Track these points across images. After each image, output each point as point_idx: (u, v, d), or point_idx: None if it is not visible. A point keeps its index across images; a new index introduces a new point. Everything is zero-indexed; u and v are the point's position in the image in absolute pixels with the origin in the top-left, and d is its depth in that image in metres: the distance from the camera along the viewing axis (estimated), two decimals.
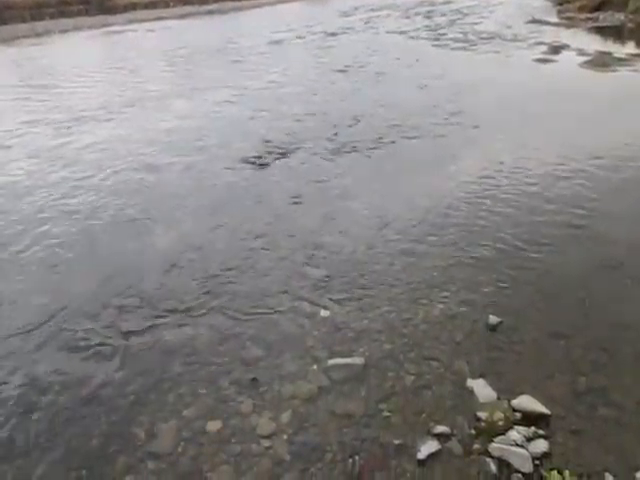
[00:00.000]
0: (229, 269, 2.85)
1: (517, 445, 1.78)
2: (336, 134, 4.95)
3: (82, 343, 2.39)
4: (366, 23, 14.81)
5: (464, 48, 9.59)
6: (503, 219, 3.23)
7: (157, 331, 2.42)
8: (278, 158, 4.42)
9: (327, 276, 2.72)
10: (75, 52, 12.74)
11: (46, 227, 3.48)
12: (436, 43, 10.41)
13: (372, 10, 19.20)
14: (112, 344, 2.37)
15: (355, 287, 2.62)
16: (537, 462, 1.73)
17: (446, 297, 2.51)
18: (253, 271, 2.82)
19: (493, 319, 2.32)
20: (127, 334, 2.42)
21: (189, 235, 3.25)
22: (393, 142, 4.70)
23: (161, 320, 2.49)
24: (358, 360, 2.15)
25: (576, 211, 3.32)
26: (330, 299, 2.54)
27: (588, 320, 2.37)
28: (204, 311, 2.52)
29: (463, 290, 2.55)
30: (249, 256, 2.97)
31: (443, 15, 16.02)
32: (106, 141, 5.18)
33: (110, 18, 20.35)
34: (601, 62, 7.77)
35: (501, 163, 4.10)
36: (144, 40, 14.68)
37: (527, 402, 1.92)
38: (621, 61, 7.86)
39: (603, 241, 2.99)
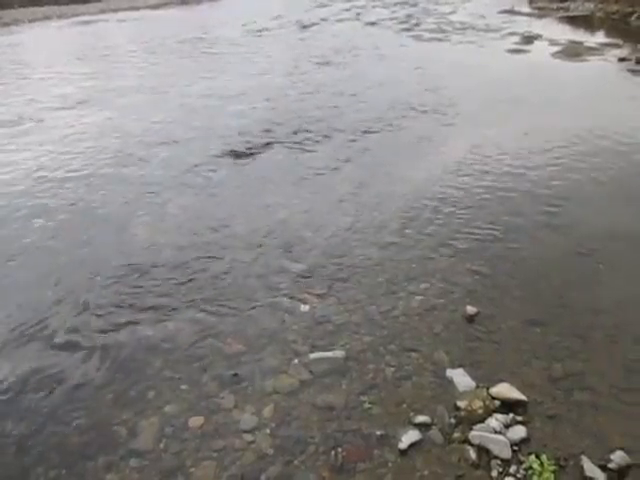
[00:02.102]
0: (208, 265, 2.84)
1: (496, 432, 1.81)
2: (313, 127, 4.94)
3: (59, 340, 2.36)
4: (341, 13, 14.76)
5: (438, 39, 9.63)
6: (478, 210, 3.28)
7: (136, 328, 2.40)
8: (256, 152, 4.40)
9: (306, 270, 2.73)
10: (43, 42, 12.43)
11: (19, 223, 3.41)
12: (411, 34, 10.43)
13: (347, 0, 19.13)
14: (91, 342, 2.34)
15: (334, 281, 2.64)
16: (516, 448, 1.77)
17: (424, 289, 2.54)
18: (232, 267, 2.81)
19: (470, 309, 2.36)
20: (106, 331, 2.40)
21: (167, 231, 3.22)
22: (369, 135, 4.72)
23: (140, 317, 2.47)
24: (339, 353, 2.17)
25: (549, 200, 3.39)
26: (310, 293, 2.55)
27: (563, 307, 2.42)
28: (184, 307, 2.51)
29: (441, 282, 2.59)
30: (227, 251, 2.96)
31: (417, 5, 16.03)
32: (71, 135, 5.08)
33: (81, 7, 19.89)
34: (572, 52, 7.88)
35: (475, 154, 4.15)
36: (115, 30, 14.40)
37: (505, 390, 1.96)
38: (592, 50, 7.99)
39: (576, 229, 3.05)
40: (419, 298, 2.48)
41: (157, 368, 2.18)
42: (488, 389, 1.97)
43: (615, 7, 11.52)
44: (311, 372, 2.10)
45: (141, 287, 2.68)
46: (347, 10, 15.49)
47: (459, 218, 3.19)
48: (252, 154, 4.37)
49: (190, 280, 2.71)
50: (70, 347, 2.32)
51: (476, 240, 2.94)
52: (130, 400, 2.04)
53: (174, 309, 2.50)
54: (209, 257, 2.91)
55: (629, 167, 3.88)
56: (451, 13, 13.44)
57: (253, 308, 2.48)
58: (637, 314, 2.37)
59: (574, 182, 3.65)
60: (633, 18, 10.54)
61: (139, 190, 3.81)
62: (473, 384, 2.00)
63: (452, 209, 3.30)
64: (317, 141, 4.58)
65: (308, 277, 2.68)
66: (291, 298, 2.53)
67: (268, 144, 4.55)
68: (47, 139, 5.02)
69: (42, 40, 12.93)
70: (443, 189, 3.58)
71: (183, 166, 4.19)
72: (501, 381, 2.00)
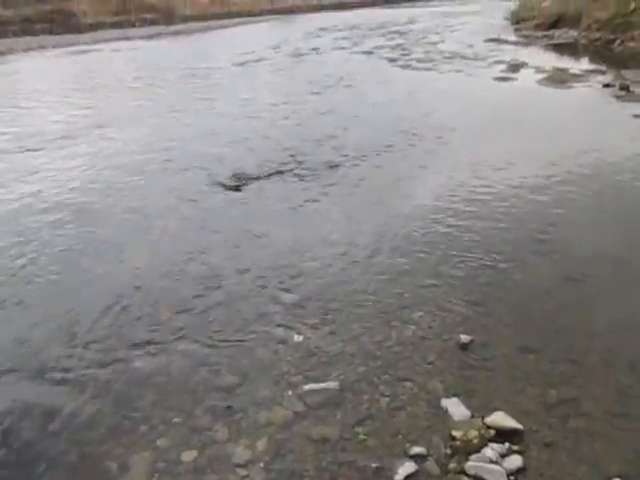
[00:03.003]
0: (201, 295, 2.83)
1: (492, 462, 1.80)
2: (306, 156, 4.99)
3: (51, 374, 2.33)
4: (332, 44, 15.03)
5: (428, 68, 9.82)
6: (470, 237, 3.31)
7: (129, 360, 2.38)
8: (248, 182, 4.43)
9: (300, 301, 2.73)
10: (37, 71, 12.54)
11: (11, 252, 3.39)
12: (401, 63, 10.63)
13: (337, 31, 19.51)
14: (82, 375, 2.31)
15: (328, 311, 2.64)
16: (512, 478, 1.75)
17: (417, 318, 2.55)
18: (226, 297, 2.81)
19: (464, 337, 2.37)
20: (97, 364, 2.37)
21: (159, 261, 3.22)
22: (361, 163, 4.77)
23: (133, 349, 2.45)
24: (333, 384, 2.16)
25: (539, 226, 3.43)
26: (303, 324, 2.55)
27: (556, 332, 2.44)
28: (177, 339, 2.50)
29: (434, 310, 2.60)
30: (221, 282, 2.96)
31: (406, 35, 16.37)
32: (65, 163, 5.10)
33: (75, 37, 20.14)
34: (558, 78, 8.06)
35: (465, 180, 4.21)
36: (109, 60, 14.56)
37: (500, 418, 1.95)
38: (576, 77, 8.18)
39: (566, 254, 3.09)
40: (412, 327, 2.48)
41: (150, 401, 2.16)
42: (483, 418, 1.97)
43: (598, 34, 11.82)
44: (305, 404, 2.09)
45: (133, 318, 2.66)
46: (339, 40, 15.79)
47: (449, 246, 3.21)
48: (245, 184, 4.40)
49: (183, 311, 2.70)
50: (60, 381, 2.29)
51: (467, 268, 2.96)
52: (122, 434, 2.01)
53: (167, 341, 2.49)
54: (202, 288, 2.91)
55: (616, 191, 3.94)
56: (439, 42, 13.73)
57: (246, 339, 2.47)
58: (630, 338, 2.39)
59: (562, 207, 3.70)
60: (616, 45, 10.82)
61: (132, 219, 3.81)
62: (468, 413, 1.99)
63: (442, 237, 3.33)
64: (311, 170, 4.62)
65: (301, 307, 2.68)
66: (285, 329, 2.52)
67: (261, 174, 4.59)
68: (41, 168, 5.02)
69: (37, 69, 13.05)
70: (433, 217, 3.61)
71: (176, 195, 4.21)
72: (496, 410, 1.99)
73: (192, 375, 2.28)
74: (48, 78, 11.30)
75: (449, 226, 3.46)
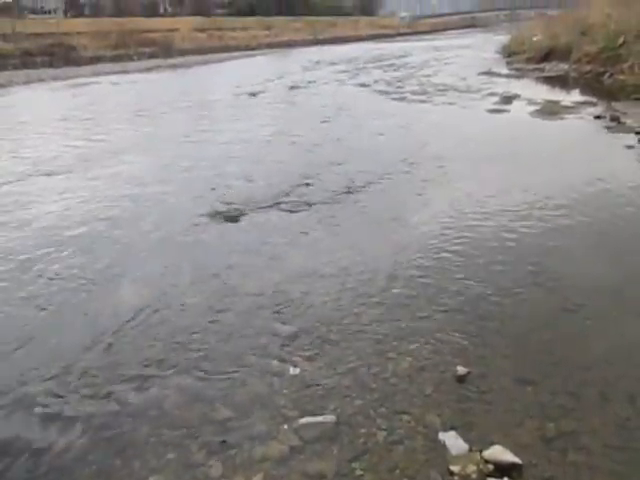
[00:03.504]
0: (196, 328, 2.81)
1: None
2: (304, 187, 5.03)
3: (41, 408, 2.29)
4: (328, 76, 15.30)
5: (422, 100, 9.99)
6: (466, 267, 3.32)
7: (121, 394, 2.35)
8: (245, 212, 4.45)
9: (295, 332, 2.71)
10: (36, 103, 12.69)
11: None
12: (395, 95, 10.82)
13: (332, 64, 19.88)
14: (74, 409, 2.28)
15: (324, 342, 2.62)
16: None
17: (414, 349, 2.53)
18: (221, 330, 2.79)
19: (461, 370, 2.35)
20: (89, 399, 2.34)
21: (153, 293, 3.20)
22: (359, 193, 4.81)
23: (126, 383, 2.42)
24: (329, 418, 2.13)
25: (535, 256, 3.45)
26: (299, 356, 2.53)
27: (553, 364, 2.42)
28: (170, 373, 2.47)
29: (430, 341, 2.58)
30: (216, 314, 2.94)
31: (401, 68, 16.70)
32: (58, 196, 5.11)
33: (74, 70, 20.45)
34: (550, 110, 8.22)
35: (462, 211, 4.24)
36: (107, 93, 14.75)
37: (499, 452, 1.93)
38: (568, 108, 8.34)
39: (562, 284, 3.09)
40: (409, 359, 2.47)
41: (143, 436, 2.12)
42: (481, 452, 1.94)
43: (588, 67, 12.10)
44: (301, 438, 2.06)
45: (126, 352, 2.64)
46: (335, 73, 16.08)
47: (446, 276, 3.22)
48: (243, 214, 4.41)
49: (177, 344, 2.68)
50: (50, 415, 2.25)
51: (464, 299, 2.96)
52: (114, 470, 1.97)
53: (160, 374, 2.46)
54: (196, 320, 2.89)
55: (612, 221, 3.98)
56: (433, 75, 14.00)
57: (241, 372, 2.45)
58: (628, 370, 2.37)
59: (558, 237, 3.73)
60: (605, 77, 11.05)
61: (126, 250, 3.81)
62: (466, 447, 1.97)
63: (439, 267, 3.34)
64: (310, 200, 4.66)
65: (298, 339, 2.66)
66: (280, 361, 2.50)
67: (259, 204, 4.62)
68: (35, 200, 5.04)
69: (36, 101, 13.21)
70: (429, 247, 3.63)
71: (172, 226, 4.22)
72: (494, 443, 1.97)
73: (186, 409, 2.24)
74: (46, 110, 11.42)
75: (446, 256, 3.48)
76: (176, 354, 2.60)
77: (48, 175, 5.85)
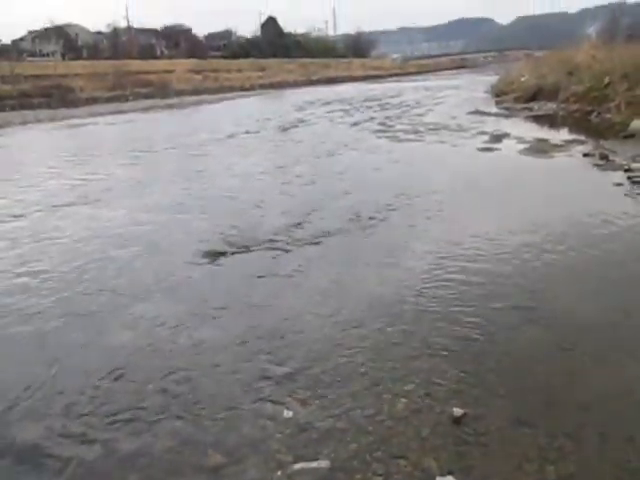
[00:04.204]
0: (188, 370, 2.77)
1: None
2: (297, 225, 5.05)
3: (29, 453, 2.23)
4: (321, 116, 15.58)
5: (414, 139, 10.15)
6: (458, 306, 3.30)
7: (111, 439, 2.29)
8: (235, 252, 4.44)
9: (289, 373, 2.67)
10: (32, 144, 12.80)
11: None
12: (388, 134, 11.00)
13: (326, 104, 20.27)
14: (63, 454, 2.22)
15: (318, 384, 2.58)
16: None
17: (409, 390, 2.50)
18: (213, 372, 2.74)
19: (457, 411, 2.31)
20: (78, 442, 2.28)
21: (143, 333, 3.16)
22: (352, 231, 4.83)
23: (116, 427, 2.36)
24: (324, 463, 2.08)
25: (529, 293, 3.44)
26: (293, 398, 2.48)
27: (550, 404, 2.39)
28: (161, 416, 2.42)
29: (425, 382, 2.55)
30: (207, 356, 2.90)
31: (392, 108, 17.03)
32: (51, 235, 5.10)
33: (71, 111, 20.76)
34: (539, 148, 8.36)
35: (455, 248, 4.25)
36: (104, 133, 14.94)
37: None
38: (557, 147, 8.49)
39: (557, 322, 3.08)
40: (404, 400, 2.43)
41: None
42: None
43: (575, 106, 12.39)
44: None
45: (116, 395, 2.58)
46: (327, 113, 16.37)
47: (440, 315, 3.20)
48: (232, 255, 4.40)
49: (168, 387, 2.63)
50: (37, 461, 2.19)
51: (458, 337, 2.93)
52: None
53: (151, 418, 2.41)
54: (187, 362, 2.84)
55: (604, 257, 3.99)
56: (424, 114, 14.28)
57: (234, 415, 2.40)
58: (626, 409, 2.35)
59: (551, 273, 3.74)
60: (593, 116, 11.30)
61: (115, 293, 3.78)
62: None
63: (432, 305, 3.32)
64: (303, 238, 4.66)
65: (291, 381, 2.62)
66: (274, 403, 2.45)
67: (252, 243, 4.62)
68: (22, 239, 5.02)
69: (31, 141, 13.33)
70: (422, 285, 3.62)
71: (160, 268, 4.20)
72: None
73: (177, 455, 2.19)
74: (41, 151, 11.52)
75: (439, 294, 3.47)
76: (167, 396, 2.55)
77: (40, 212, 5.86)
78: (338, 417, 2.34)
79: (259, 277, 3.94)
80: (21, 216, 5.87)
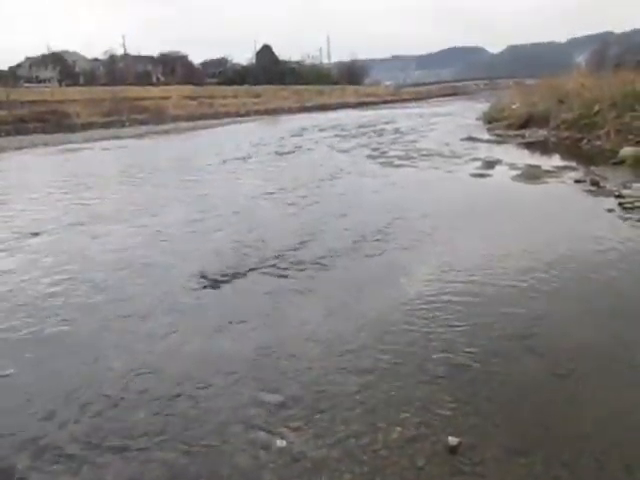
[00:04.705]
0: (179, 398, 2.73)
1: None
2: (292, 250, 5.04)
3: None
4: (315, 142, 15.71)
5: (407, 165, 10.24)
6: (454, 333, 3.29)
7: (101, 469, 2.25)
8: (228, 279, 4.42)
9: (283, 402, 2.64)
10: (26, 169, 12.81)
11: None
12: (381, 160, 11.09)
13: (320, 130, 20.46)
14: None
15: (312, 412, 2.55)
16: None
17: (404, 419, 2.47)
18: (205, 400, 2.70)
19: (452, 440, 2.29)
20: (66, 473, 2.23)
21: (135, 360, 3.12)
22: (347, 256, 4.83)
23: (105, 456, 2.32)
24: None
25: (523, 319, 3.44)
26: (287, 427, 2.45)
27: (546, 433, 2.37)
28: (152, 445, 2.37)
29: (420, 410, 2.53)
30: (200, 383, 2.86)
31: (385, 134, 17.21)
32: (40, 260, 5.07)
33: (67, 136, 20.85)
34: (531, 175, 8.45)
35: (447, 275, 4.25)
36: (98, 158, 14.98)
37: None
38: (549, 173, 8.58)
39: (552, 349, 3.07)
40: (399, 429, 2.40)
41: None
42: None
43: (566, 134, 12.58)
44: None
45: (106, 423, 2.54)
46: (322, 139, 16.52)
47: (434, 341, 3.18)
48: (225, 281, 4.38)
49: (160, 415, 2.59)
50: None
51: (453, 365, 2.92)
52: None
53: (141, 448, 2.36)
54: (179, 390, 2.80)
55: (598, 283, 4.01)
56: (417, 141, 14.42)
57: (227, 444, 2.36)
58: (622, 437, 2.33)
59: (545, 299, 3.74)
60: (584, 143, 11.46)
61: (108, 318, 3.74)
62: None
63: (426, 332, 3.31)
64: (297, 264, 4.66)
65: (285, 409, 2.58)
66: (267, 432, 2.42)
67: (248, 268, 4.61)
68: (14, 264, 4.99)
69: (24, 167, 13.34)
70: (417, 311, 3.61)
71: (155, 292, 4.17)
72: None
73: None
74: (33, 176, 11.51)
75: (433, 321, 3.45)
76: (158, 425, 2.51)
77: (32, 237, 5.84)
78: (332, 446, 2.31)
79: (252, 302, 3.92)
80: (7, 241, 5.85)
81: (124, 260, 5.02)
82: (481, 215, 6.15)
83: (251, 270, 4.56)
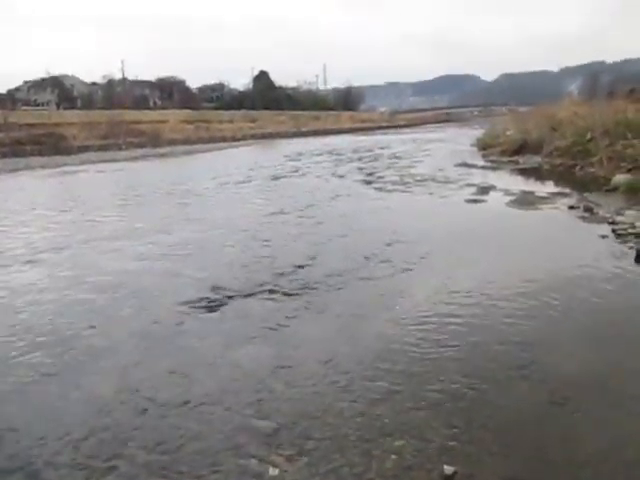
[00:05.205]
0: (170, 426, 2.67)
1: None
2: (286, 275, 5.02)
3: None
4: (310, 167, 15.81)
5: (402, 190, 10.30)
6: (449, 360, 3.26)
7: None
8: (224, 303, 4.38)
9: (276, 429, 2.59)
10: (19, 191, 12.79)
11: None
12: (376, 185, 11.16)
13: (316, 155, 20.62)
14: None
15: (305, 439, 2.50)
16: None
17: (399, 447, 2.42)
18: (197, 427, 2.65)
19: (447, 469, 2.24)
20: None
21: (125, 389, 3.06)
22: (342, 281, 4.80)
23: None
24: None
25: (518, 345, 3.41)
26: (279, 455, 2.40)
27: (542, 461, 2.33)
28: (141, 474, 2.32)
29: (415, 438, 2.48)
30: (192, 410, 2.81)
31: (380, 160, 17.36)
32: (33, 284, 5.02)
33: (63, 159, 20.93)
34: (525, 201, 8.50)
35: (443, 299, 4.24)
36: (94, 181, 15.02)
37: None
38: (543, 199, 8.64)
39: (548, 376, 3.04)
40: (394, 457, 2.35)
41: None
42: None
43: (559, 160, 12.71)
44: None
45: (95, 454, 2.48)
46: (317, 164, 16.64)
47: (429, 368, 3.15)
48: (219, 305, 4.34)
49: (150, 444, 2.53)
50: None
51: (448, 392, 2.88)
52: None
53: (130, 475, 2.31)
54: (170, 417, 2.75)
55: (590, 310, 4.00)
56: (412, 166, 14.54)
57: (218, 473, 2.30)
58: (619, 467, 2.29)
59: (541, 326, 3.72)
60: (577, 169, 11.58)
61: (98, 343, 3.69)
62: None
63: (421, 358, 3.28)
64: (291, 289, 4.63)
65: (277, 436, 2.53)
66: (259, 460, 2.36)
67: (239, 293, 4.58)
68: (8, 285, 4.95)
69: (19, 188, 13.32)
70: (411, 337, 3.58)
71: (148, 318, 4.13)
72: None
73: None
74: (26, 198, 11.47)
75: (428, 347, 3.42)
76: (147, 453, 2.45)
77: (20, 262, 5.81)
78: (325, 475, 2.26)
79: (244, 326, 3.88)
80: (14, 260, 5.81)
81: (116, 280, 4.99)
82: (476, 240, 6.16)
83: (244, 294, 4.53)
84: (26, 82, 57.77)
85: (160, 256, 5.90)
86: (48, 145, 23.53)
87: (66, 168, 17.79)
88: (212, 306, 4.30)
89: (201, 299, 4.43)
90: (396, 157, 17.91)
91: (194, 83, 67.79)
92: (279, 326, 3.87)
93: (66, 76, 58.19)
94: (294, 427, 2.60)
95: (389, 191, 10.27)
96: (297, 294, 4.51)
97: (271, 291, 4.57)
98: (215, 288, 4.68)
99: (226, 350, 3.51)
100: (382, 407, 2.75)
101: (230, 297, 4.47)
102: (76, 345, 3.65)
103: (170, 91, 61.17)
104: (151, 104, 58.20)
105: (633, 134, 10.78)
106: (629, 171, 9.53)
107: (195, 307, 4.28)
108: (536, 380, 3.00)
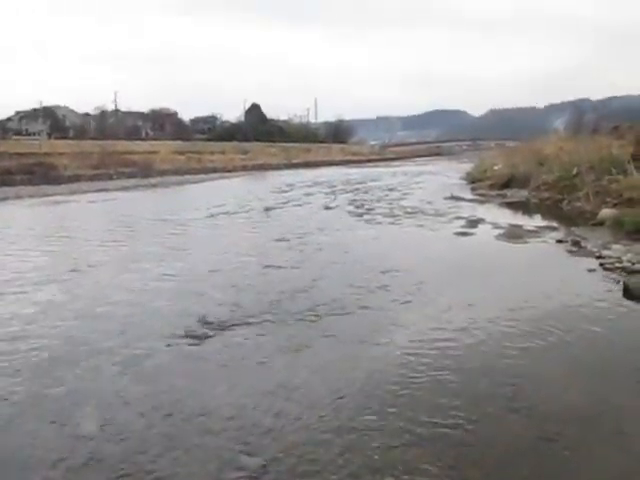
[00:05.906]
0: (156, 462, 2.61)
1: None
2: (275, 307, 4.99)
3: None
4: (300, 199, 15.90)
5: (392, 222, 10.37)
6: (439, 393, 3.23)
7: None
8: (212, 334, 4.33)
9: (264, 465, 2.53)
10: (6, 221, 12.69)
11: None
12: (366, 217, 11.23)
13: (306, 187, 20.77)
14: None
15: (293, 476, 2.45)
16: None
17: None
18: (184, 464, 2.58)
19: None
20: None
21: (112, 424, 2.99)
22: (330, 313, 4.78)
23: None
24: None
25: (508, 379, 3.39)
26: None
27: None
28: None
29: (405, 474, 2.43)
30: (179, 447, 2.74)
31: (370, 192, 17.52)
32: (22, 314, 4.95)
33: (53, 188, 20.85)
34: (514, 234, 8.58)
35: (432, 333, 4.22)
36: (84, 211, 14.97)
37: None
38: (531, 233, 8.73)
39: (537, 411, 3.02)
40: None
41: None
42: None
43: (546, 194, 12.90)
44: None
45: None
46: (307, 196, 16.75)
47: (419, 403, 3.12)
48: (208, 337, 4.29)
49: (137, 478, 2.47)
50: None
51: (438, 426, 2.84)
52: None
53: None
54: (157, 454, 2.68)
55: (580, 344, 4.00)
56: (401, 199, 14.69)
57: None
58: None
59: (529, 359, 3.71)
60: (564, 204, 11.73)
61: (83, 377, 3.62)
62: None
63: (410, 393, 3.24)
64: (280, 321, 4.60)
65: (265, 473, 2.47)
66: None
67: (227, 325, 4.53)
68: None
69: (5, 218, 13.24)
70: (401, 372, 3.55)
71: (135, 349, 4.06)
72: None
73: None
74: (13, 228, 11.36)
75: (417, 381, 3.39)
76: None
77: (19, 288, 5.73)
78: None
79: (233, 359, 3.83)
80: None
81: (101, 313, 4.93)
82: (465, 273, 6.18)
83: (233, 325, 4.48)
84: (18, 112, 58.04)
85: (143, 287, 5.85)
86: (38, 175, 23.46)
87: (55, 198, 17.73)
88: (199, 337, 4.23)
89: (189, 329, 4.37)
90: (386, 189, 18.09)
91: (187, 115, 68.54)
92: (267, 358, 3.81)
93: (58, 107, 58.62)
94: (283, 463, 2.53)
95: (379, 223, 10.34)
96: (288, 324, 4.48)
97: (261, 322, 4.54)
98: (204, 318, 4.63)
99: (213, 382, 3.45)
100: (371, 442, 2.70)
101: (216, 328, 4.41)
102: (62, 376, 3.58)
103: (162, 122, 61.72)
104: (143, 135, 58.58)
105: (617, 170, 10.98)
106: (615, 206, 9.67)
107: (184, 338, 4.22)
108: (527, 415, 2.97)
